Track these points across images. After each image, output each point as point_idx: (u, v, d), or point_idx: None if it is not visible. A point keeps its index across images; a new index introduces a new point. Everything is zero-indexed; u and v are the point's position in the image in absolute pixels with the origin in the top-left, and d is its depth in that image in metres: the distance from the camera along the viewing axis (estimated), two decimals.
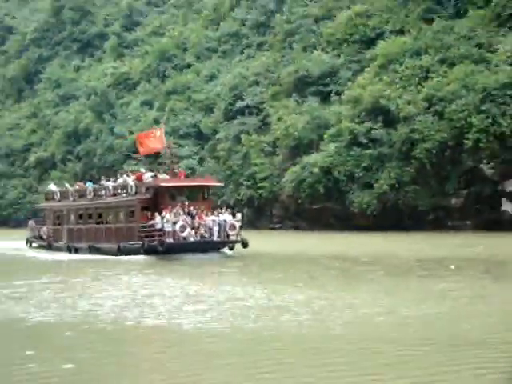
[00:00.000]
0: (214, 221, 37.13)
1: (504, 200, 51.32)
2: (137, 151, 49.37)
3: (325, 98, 66.04)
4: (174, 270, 31.54)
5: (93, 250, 40.81)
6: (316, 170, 58.23)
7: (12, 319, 18.47)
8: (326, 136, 60.52)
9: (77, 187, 47.81)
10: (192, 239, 36.56)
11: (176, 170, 43.06)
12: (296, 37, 75.08)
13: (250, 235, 38.26)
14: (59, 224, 46.79)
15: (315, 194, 58.86)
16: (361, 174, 56.80)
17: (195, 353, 14.45)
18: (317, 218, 59.76)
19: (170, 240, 36.24)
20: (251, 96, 72.89)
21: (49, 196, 50.13)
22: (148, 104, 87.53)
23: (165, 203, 38.14)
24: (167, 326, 17.21)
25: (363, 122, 58.08)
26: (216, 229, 36.94)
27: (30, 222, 52.28)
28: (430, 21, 61.91)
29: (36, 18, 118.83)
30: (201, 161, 73.86)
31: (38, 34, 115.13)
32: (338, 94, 64.36)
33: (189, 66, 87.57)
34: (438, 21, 60.96)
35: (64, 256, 41.06)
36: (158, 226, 36.71)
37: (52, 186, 51.94)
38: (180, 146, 67.70)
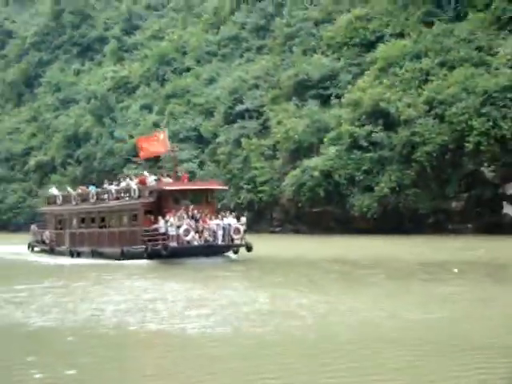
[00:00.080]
0: (218, 224, 36.96)
1: (505, 203, 51.29)
2: (137, 155, 49.18)
3: (325, 101, 65.97)
4: (178, 274, 31.42)
5: (95, 254, 40.58)
6: (316, 173, 58.14)
7: (13, 324, 18.41)
8: (326, 139, 60.42)
9: (79, 191, 47.45)
10: (196, 243, 36.33)
11: (179, 174, 42.93)
12: (296, 40, 75.00)
13: (251, 239, 38.13)
14: (61, 228, 46.55)
15: (315, 198, 58.77)
16: (361, 178, 56.73)
17: (198, 357, 14.38)
18: (317, 221, 59.68)
19: (173, 244, 35.98)
20: (251, 99, 72.81)
21: (51, 200, 49.87)
22: (148, 108, 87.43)
23: (168, 207, 37.92)
24: (170, 330, 17.15)
25: (363, 126, 58.01)
26: (220, 233, 36.76)
27: (33, 227, 51.95)
28: (430, 24, 61.85)
29: (36, 22, 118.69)
30: (201, 164, 73.76)
31: (38, 37, 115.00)
32: (338, 97, 64.26)
33: (188, 69, 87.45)
34: (437, 24, 60.92)
35: (66, 260, 40.93)
36: (162, 230, 36.47)
37: (54, 190, 51.63)
38: (180, 149, 67.56)
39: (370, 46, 66.11)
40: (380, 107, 57.14)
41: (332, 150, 58.68)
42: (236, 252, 37.69)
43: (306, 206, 60.23)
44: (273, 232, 64.20)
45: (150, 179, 40.78)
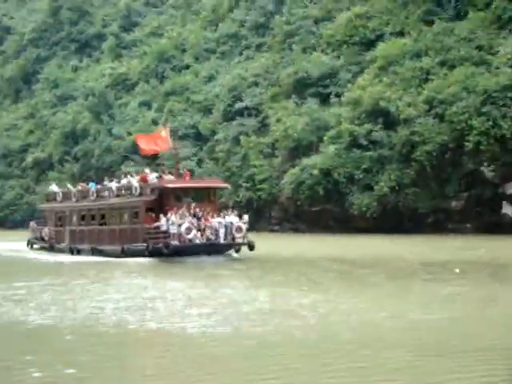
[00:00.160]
0: (220, 223, 36.68)
1: (504, 203, 51.26)
2: (136, 152, 48.95)
3: (324, 99, 65.88)
4: (178, 272, 31.25)
5: (95, 251, 40.34)
6: (315, 171, 58.04)
7: (12, 322, 18.24)
8: (325, 138, 60.34)
9: (79, 188, 47.22)
10: (198, 241, 36.07)
11: (181, 171, 42.69)
12: (295, 38, 74.91)
13: (250, 237, 37.97)
14: (61, 225, 46.28)
15: (315, 196, 58.67)
16: (361, 176, 56.65)
17: (199, 357, 14.22)
18: (316, 220, 59.58)
19: (175, 242, 35.75)
20: (250, 97, 72.71)
21: (50, 197, 49.51)
22: (146, 105, 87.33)
23: (170, 204, 37.65)
24: (170, 329, 17.01)
25: (363, 124, 57.92)
26: (222, 231, 36.46)
27: (32, 223, 51.74)
28: (430, 23, 61.84)
29: (34, 19, 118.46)
30: (199, 162, 73.60)
31: (36, 34, 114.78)
32: (338, 95, 64.18)
33: (187, 66, 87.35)
34: (438, 23, 60.89)
35: (66, 258, 40.58)
36: (164, 228, 36.26)
37: (54, 187, 51.30)
38: (181, 147, 67.48)
39: (369, 44, 66.05)
40: (380, 106, 57.05)
41: (331, 148, 58.58)
42: (238, 250, 37.43)
43: (305, 205, 60.12)
44: (271, 230, 64.02)
45: (152, 176, 40.49)
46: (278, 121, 66.42)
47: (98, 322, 17.81)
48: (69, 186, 50.20)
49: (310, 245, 47.28)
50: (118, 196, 41.14)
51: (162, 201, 38.19)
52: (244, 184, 66.76)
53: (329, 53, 69.12)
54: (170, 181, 39.82)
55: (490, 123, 50.48)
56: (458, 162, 52.94)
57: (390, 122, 56.65)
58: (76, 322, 18.02)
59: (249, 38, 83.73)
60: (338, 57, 67.93)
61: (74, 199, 45.49)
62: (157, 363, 14.13)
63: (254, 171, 66.58)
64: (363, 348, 14.51)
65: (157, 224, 36.86)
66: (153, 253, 36.25)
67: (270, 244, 45.36)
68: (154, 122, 79.58)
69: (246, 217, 38.49)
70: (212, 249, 36.12)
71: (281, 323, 17.25)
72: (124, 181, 42.34)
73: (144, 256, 36.38)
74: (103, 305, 20.82)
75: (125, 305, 20.75)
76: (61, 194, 47.71)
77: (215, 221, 36.85)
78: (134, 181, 40.61)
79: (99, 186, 44.76)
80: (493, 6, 58.64)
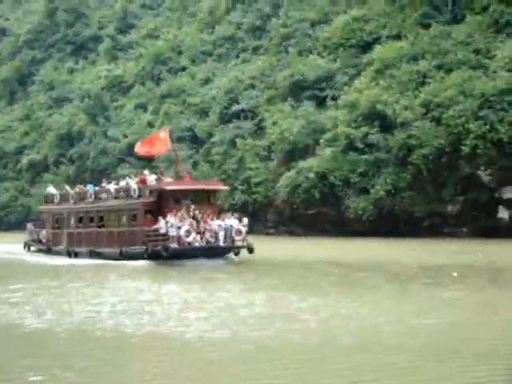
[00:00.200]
0: (219, 225, 36.39)
1: (501, 207, 51.25)
2: (132, 154, 48.66)
3: (320, 102, 65.82)
4: (176, 275, 31.10)
5: (93, 254, 39.91)
6: (311, 174, 57.96)
7: (9, 325, 18.15)
8: (321, 141, 60.24)
9: (77, 190, 46.76)
10: (197, 244, 35.72)
11: (181, 174, 42.43)
12: (292, 41, 74.86)
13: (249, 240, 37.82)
14: (59, 228, 45.85)
15: (310, 199, 58.58)
16: (357, 180, 56.55)
17: (196, 361, 14.18)
18: (312, 223, 59.47)
19: (174, 245, 35.42)
20: (246, 100, 72.63)
21: (48, 199, 48.99)
22: (142, 107, 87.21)
23: (169, 207, 37.29)
24: (167, 333, 16.93)
25: (360, 127, 57.80)
26: (222, 234, 36.13)
27: (29, 225, 51.31)
28: (427, 26, 61.76)
29: (30, 20, 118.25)
30: (195, 165, 73.45)
31: (32, 35, 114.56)
32: (334, 98, 64.10)
33: (184, 69, 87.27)
34: (435, 26, 60.82)
35: (63, 260, 40.19)
36: (163, 231, 35.94)
37: (52, 189, 50.84)
38: (179, 149, 67.31)
39: (366, 47, 65.96)
40: (376, 109, 56.98)
41: (328, 151, 58.50)
42: (237, 254, 37.16)
43: (301, 208, 60.00)
44: (267, 234, 63.87)
45: (151, 178, 40.14)
46: (275, 123, 66.34)
47: (94, 326, 17.68)
48: (67, 187, 49.74)
49: (306, 248, 47.23)
50: (116, 198, 40.75)
51: (161, 203, 37.83)
52: (240, 187, 66.57)
53: (325, 56, 69.06)
54: (169, 183, 39.46)
55: (487, 127, 50.43)
56: (454, 166, 52.89)
57: (386, 125, 56.58)
58: (73, 325, 17.90)
59: (245, 40, 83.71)
60: (335, 60, 67.86)
61: (71, 201, 45.09)
62: (154, 368, 14.01)
63: (250, 174, 66.47)
64: (362, 353, 14.46)
65: (156, 226, 36.53)
66: (152, 255, 35.93)
67: (265, 247, 45.21)
68: (150, 125, 79.49)
69: (245, 220, 38.19)
70: (211, 252, 35.73)
71: (278, 328, 17.17)
72: (122, 183, 42.04)
73: (143, 259, 36.08)
74: (99, 308, 20.69)
75: (121, 308, 20.64)
76: (58, 196, 47.37)
77: (215, 223, 36.54)
78: (133, 183, 40.23)
79: (97, 188, 44.38)
80: (490, 10, 58.65)
